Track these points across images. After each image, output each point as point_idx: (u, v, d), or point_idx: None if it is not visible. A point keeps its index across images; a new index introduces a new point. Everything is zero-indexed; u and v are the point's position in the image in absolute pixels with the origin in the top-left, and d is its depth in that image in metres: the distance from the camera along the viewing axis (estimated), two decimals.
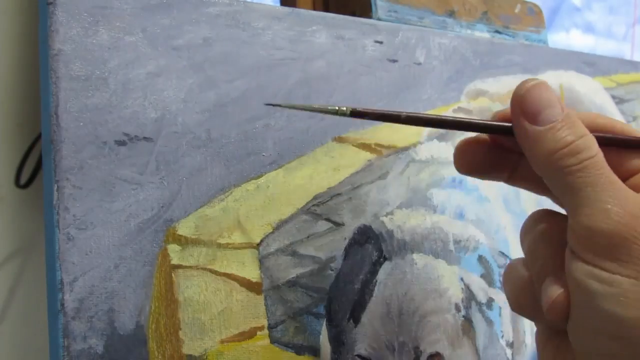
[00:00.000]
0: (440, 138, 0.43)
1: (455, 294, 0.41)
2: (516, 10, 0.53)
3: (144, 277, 0.30)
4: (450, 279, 0.41)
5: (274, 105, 0.30)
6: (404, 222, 0.40)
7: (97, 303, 0.28)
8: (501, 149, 0.28)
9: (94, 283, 0.28)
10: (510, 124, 0.26)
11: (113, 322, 0.29)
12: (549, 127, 0.24)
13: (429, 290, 0.40)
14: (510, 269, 0.28)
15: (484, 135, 0.29)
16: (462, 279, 0.42)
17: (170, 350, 0.30)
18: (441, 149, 0.43)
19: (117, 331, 0.29)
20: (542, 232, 0.26)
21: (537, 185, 0.27)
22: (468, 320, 0.41)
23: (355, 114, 0.27)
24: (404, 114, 0.27)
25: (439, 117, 0.28)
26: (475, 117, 0.27)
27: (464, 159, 0.28)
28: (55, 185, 0.28)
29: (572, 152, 0.24)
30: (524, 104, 0.25)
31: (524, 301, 0.27)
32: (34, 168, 0.41)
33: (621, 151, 0.26)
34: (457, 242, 0.42)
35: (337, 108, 0.27)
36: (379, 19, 0.43)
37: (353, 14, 0.43)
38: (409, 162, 0.41)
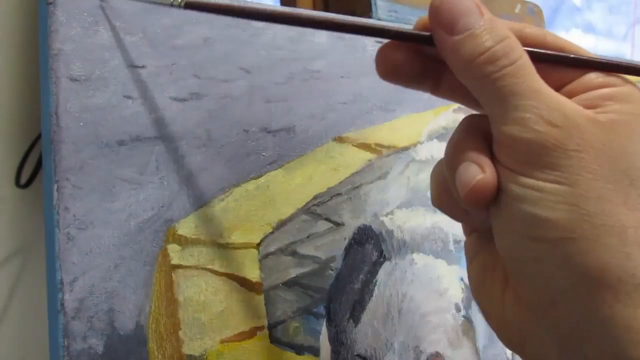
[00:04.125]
0: (441, 138, 0.43)
1: (455, 293, 0.41)
2: (516, 10, 0.53)
3: (144, 277, 0.30)
4: (450, 279, 0.41)
5: None
6: (404, 222, 0.40)
7: (97, 303, 0.28)
8: (424, 56, 0.26)
9: (94, 283, 0.28)
10: (429, 34, 0.25)
11: (113, 322, 0.29)
12: (466, 34, 0.23)
13: (429, 290, 0.40)
14: (435, 166, 0.28)
15: (406, 47, 0.27)
16: (462, 279, 0.42)
17: (170, 350, 0.30)
18: (441, 148, 0.43)
19: (117, 331, 0.29)
20: (466, 126, 0.26)
21: (463, 96, 0.26)
22: (468, 320, 0.41)
23: (190, 5, 0.25)
24: (248, 7, 0.24)
25: (330, 19, 0.26)
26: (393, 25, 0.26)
27: (384, 63, 0.26)
28: (55, 185, 0.28)
29: (490, 59, 0.23)
30: (440, 15, 0.24)
31: (444, 197, 0.27)
32: (34, 168, 0.41)
33: (551, 66, 0.25)
34: (457, 242, 0.42)
35: (171, 1, 0.25)
36: (379, 19, 0.43)
37: (353, 13, 0.43)
38: (409, 162, 0.41)
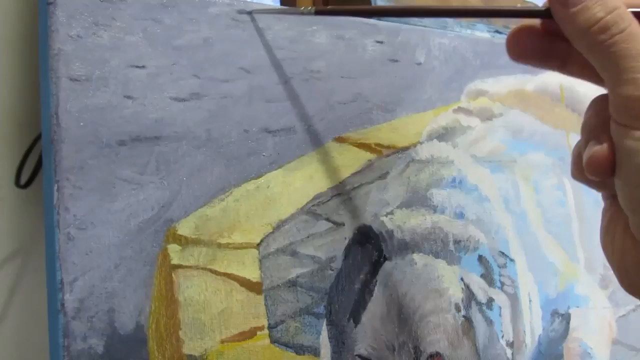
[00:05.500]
0: (440, 138, 0.43)
1: (455, 294, 0.41)
2: None
3: (144, 277, 0.30)
4: (450, 279, 0.41)
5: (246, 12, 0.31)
6: (404, 222, 0.40)
7: (97, 303, 0.28)
8: (553, 36, 0.29)
9: (94, 283, 0.28)
10: (547, 7, 0.27)
11: (113, 322, 0.29)
12: (580, 7, 0.26)
13: (429, 290, 0.40)
14: (575, 145, 0.30)
15: (536, 21, 0.30)
16: (462, 279, 0.42)
17: (170, 350, 0.30)
18: (441, 148, 0.43)
19: (117, 331, 0.29)
20: (593, 107, 0.28)
21: (590, 73, 0.28)
22: (468, 320, 0.41)
23: (320, 12, 0.28)
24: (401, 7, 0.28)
25: (461, 7, 0.30)
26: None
27: (516, 45, 0.30)
28: (56, 185, 0.28)
29: (602, 29, 0.25)
30: None
31: (581, 170, 0.29)
32: (34, 168, 0.41)
33: None
34: (457, 242, 0.42)
35: (301, 9, 0.28)
36: (379, 19, 0.43)
37: None
38: (409, 162, 0.41)
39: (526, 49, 0.30)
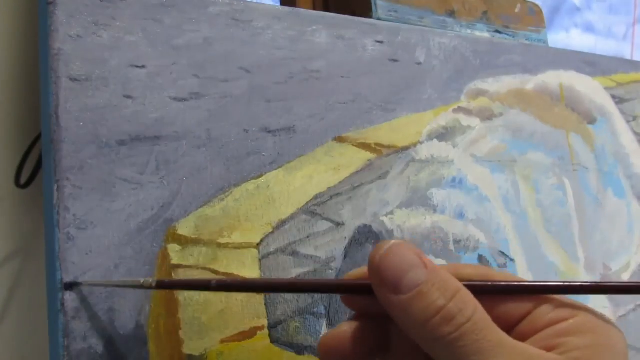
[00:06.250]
0: (441, 138, 0.43)
1: None
2: (516, 10, 0.53)
3: (144, 276, 0.30)
4: None
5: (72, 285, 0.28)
6: (404, 221, 0.40)
7: (97, 303, 0.28)
8: (367, 335, 0.25)
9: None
10: (368, 283, 0.24)
11: (113, 322, 0.29)
12: (414, 293, 0.22)
13: None
14: None
15: (345, 327, 0.25)
16: None
17: (170, 350, 0.30)
18: (441, 148, 0.43)
19: (117, 331, 0.29)
20: None
21: (420, 356, 0.24)
22: None
23: (161, 285, 0.26)
24: (214, 281, 0.24)
25: (265, 281, 0.27)
26: (325, 278, 0.27)
27: (326, 355, 0.25)
28: (55, 185, 0.28)
29: (445, 319, 0.21)
30: (382, 274, 0.23)
31: None
32: (34, 168, 0.41)
33: (500, 298, 0.24)
34: (457, 241, 0.42)
35: (141, 281, 0.26)
36: (379, 19, 0.43)
37: (353, 13, 0.43)
38: (409, 162, 0.41)
39: (342, 355, 0.25)
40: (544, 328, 0.23)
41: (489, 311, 0.22)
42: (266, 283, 0.28)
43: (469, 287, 0.23)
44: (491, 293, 0.24)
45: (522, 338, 0.23)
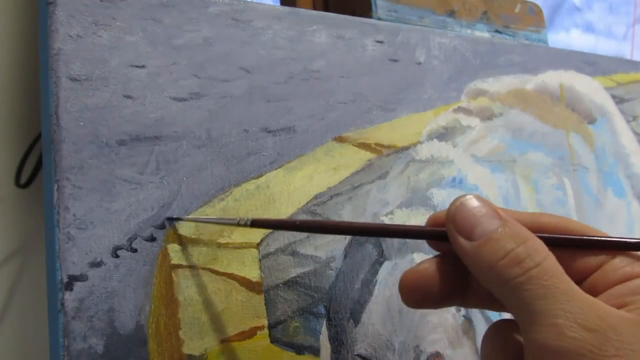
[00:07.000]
0: (440, 138, 0.43)
1: None
2: (516, 10, 0.53)
3: (144, 276, 0.30)
4: None
5: (174, 219, 0.31)
6: (404, 221, 0.40)
7: (97, 303, 0.28)
8: (448, 274, 0.25)
9: (94, 283, 0.28)
10: (443, 230, 0.25)
11: (113, 322, 0.29)
12: (486, 238, 0.22)
13: None
14: None
15: (427, 265, 0.26)
16: None
17: (170, 350, 0.30)
18: (441, 148, 0.43)
19: (117, 331, 0.29)
20: (490, 338, 0.25)
21: (493, 302, 0.25)
22: (468, 320, 0.41)
23: (256, 223, 0.28)
24: (298, 221, 0.27)
25: (360, 225, 0.28)
26: (409, 225, 0.27)
27: (411, 295, 0.26)
28: (55, 185, 0.28)
29: (513, 262, 0.22)
30: (456, 223, 0.23)
31: None
32: (34, 168, 0.41)
33: (573, 251, 0.24)
34: None
35: (237, 219, 0.29)
36: (379, 19, 0.43)
37: (353, 13, 0.43)
38: (409, 162, 0.41)
39: (421, 295, 0.25)
40: (616, 283, 0.23)
41: (563, 264, 0.22)
42: (346, 226, 0.29)
43: (543, 238, 0.23)
44: (565, 246, 0.24)
45: (593, 291, 0.23)
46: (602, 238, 0.24)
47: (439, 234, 0.25)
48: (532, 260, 0.22)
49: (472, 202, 0.24)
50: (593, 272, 0.24)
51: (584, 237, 0.24)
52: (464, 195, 0.24)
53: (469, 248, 0.23)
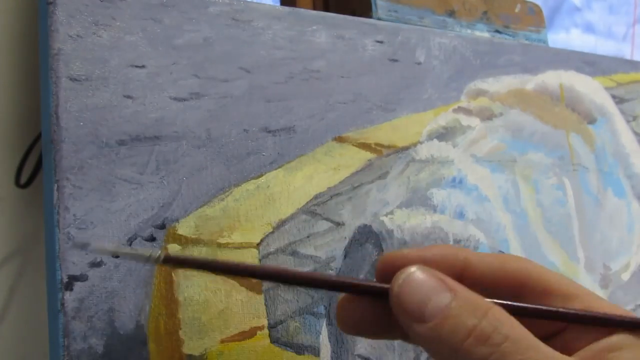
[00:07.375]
0: (440, 138, 0.43)
1: None
2: (516, 10, 0.53)
3: (144, 276, 0.30)
4: None
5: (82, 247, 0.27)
6: (404, 221, 0.40)
7: (97, 303, 0.28)
8: (385, 309, 0.23)
9: (94, 283, 0.28)
10: (388, 287, 0.22)
11: (113, 322, 0.29)
12: (441, 317, 0.20)
13: None
14: None
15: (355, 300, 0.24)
16: None
17: (170, 350, 0.30)
18: (441, 148, 0.43)
19: (117, 331, 0.29)
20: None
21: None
22: None
23: (169, 260, 0.23)
24: (219, 262, 0.23)
25: (284, 270, 0.25)
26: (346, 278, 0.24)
27: (346, 318, 0.23)
28: (55, 185, 0.28)
29: (479, 340, 0.19)
30: (404, 305, 0.21)
31: None
32: (34, 168, 0.41)
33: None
34: (457, 241, 0.42)
35: (148, 254, 0.23)
36: (379, 19, 0.43)
37: (353, 13, 0.43)
38: (409, 162, 0.41)
39: (360, 320, 0.23)
40: (593, 340, 0.21)
41: (528, 322, 0.21)
42: (275, 271, 0.26)
43: (501, 306, 0.21)
44: (525, 316, 0.21)
45: (569, 347, 0.21)
46: (563, 310, 0.22)
47: (381, 290, 0.22)
48: (499, 333, 0.19)
49: (416, 275, 0.21)
50: (565, 328, 0.22)
51: (539, 307, 0.22)
52: (406, 269, 0.21)
53: (424, 332, 0.20)
